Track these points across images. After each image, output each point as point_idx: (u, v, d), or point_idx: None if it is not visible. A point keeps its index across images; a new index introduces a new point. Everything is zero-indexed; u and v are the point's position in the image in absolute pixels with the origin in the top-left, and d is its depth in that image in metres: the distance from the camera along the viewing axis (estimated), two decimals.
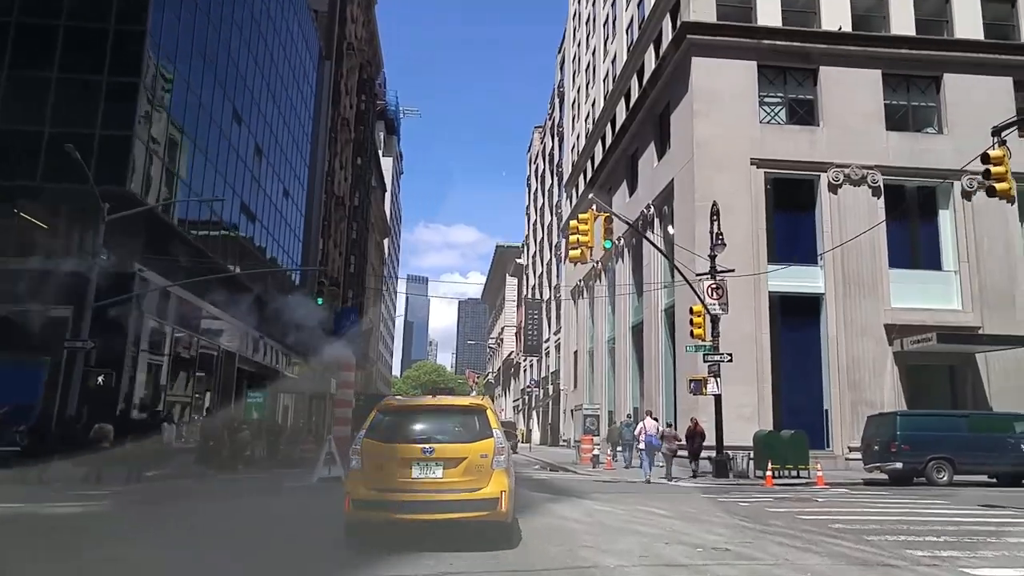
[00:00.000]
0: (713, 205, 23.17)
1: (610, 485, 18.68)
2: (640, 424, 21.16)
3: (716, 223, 22.90)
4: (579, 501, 13.36)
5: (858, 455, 22.79)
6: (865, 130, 26.94)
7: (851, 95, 27.16)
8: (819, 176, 26.78)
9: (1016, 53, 27.83)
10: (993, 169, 11.79)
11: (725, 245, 22.60)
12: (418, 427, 8.27)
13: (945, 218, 27.32)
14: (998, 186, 11.77)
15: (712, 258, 22.73)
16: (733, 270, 22.84)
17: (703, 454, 22.54)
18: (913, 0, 28.15)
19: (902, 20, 27.95)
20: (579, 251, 17.29)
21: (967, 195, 26.73)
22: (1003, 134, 12.05)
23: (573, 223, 17.50)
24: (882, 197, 26.51)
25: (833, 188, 26.60)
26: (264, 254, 35.83)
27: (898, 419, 20.05)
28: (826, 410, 25.36)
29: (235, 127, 31.31)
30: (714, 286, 22.49)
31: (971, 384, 25.54)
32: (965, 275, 26.34)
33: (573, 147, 53.63)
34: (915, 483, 19.60)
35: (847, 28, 27.41)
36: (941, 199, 27.36)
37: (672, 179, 28.92)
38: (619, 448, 27.51)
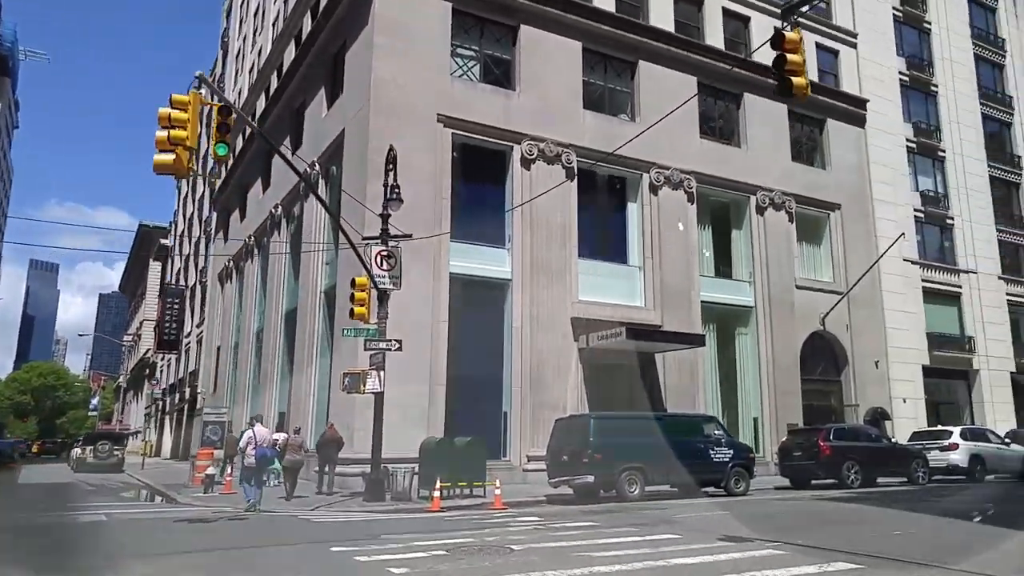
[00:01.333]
0: (390, 151, 18.10)
1: (202, 528, 12.15)
2: (247, 433, 14.96)
3: (392, 174, 17.82)
4: None
5: (538, 464, 19.38)
6: (563, 105, 24.12)
7: (551, 64, 24.20)
8: (512, 148, 23.28)
9: (700, 53, 27.44)
10: (789, 57, 8.23)
11: (402, 201, 17.70)
12: None
13: (633, 212, 25.60)
14: (795, 80, 8.23)
15: (384, 218, 17.60)
16: (411, 235, 17.98)
17: (356, 468, 17.72)
18: None
19: None
20: (172, 156, 10.58)
21: (654, 189, 25.34)
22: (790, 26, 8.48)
23: (163, 110, 10.62)
24: (576, 180, 23.88)
25: (526, 163, 23.25)
26: None
27: (592, 423, 16.64)
28: (505, 413, 21.64)
29: None
30: (385, 253, 17.35)
31: (650, 383, 23.82)
32: (649, 271, 24.78)
33: (234, 103, 45.09)
34: (602, 497, 16.43)
35: None
36: (630, 191, 25.65)
37: (343, 129, 23.37)
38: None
